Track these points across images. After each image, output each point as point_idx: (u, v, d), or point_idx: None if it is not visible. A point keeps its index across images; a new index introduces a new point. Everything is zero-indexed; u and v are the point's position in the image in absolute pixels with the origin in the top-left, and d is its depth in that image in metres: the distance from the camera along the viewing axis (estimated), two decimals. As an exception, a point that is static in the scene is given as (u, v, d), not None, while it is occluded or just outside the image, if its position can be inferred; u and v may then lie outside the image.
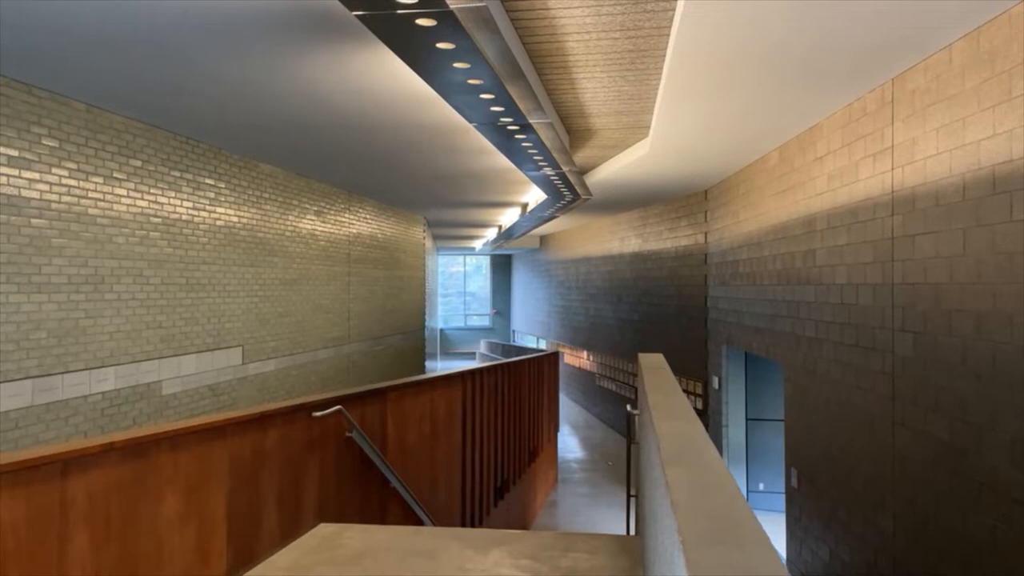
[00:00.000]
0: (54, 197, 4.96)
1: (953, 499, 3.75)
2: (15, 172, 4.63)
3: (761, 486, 8.52)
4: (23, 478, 2.33)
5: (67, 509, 2.48)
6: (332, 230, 9.89)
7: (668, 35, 4.12)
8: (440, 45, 3.16)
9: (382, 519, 4.72)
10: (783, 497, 6.55)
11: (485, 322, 29.83)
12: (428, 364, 15.84)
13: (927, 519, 4.01)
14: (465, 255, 29.66)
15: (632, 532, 4.96)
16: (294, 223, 8.70)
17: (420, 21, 2.80)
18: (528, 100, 4.34)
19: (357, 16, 2.82)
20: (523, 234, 16.99)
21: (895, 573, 4.38)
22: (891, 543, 4.43)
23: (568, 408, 16.40)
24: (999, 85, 3.38)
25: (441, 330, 27.56)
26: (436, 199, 11.96)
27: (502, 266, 29.42)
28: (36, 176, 4.81)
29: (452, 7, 2.63)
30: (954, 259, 3.76)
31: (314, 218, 9.29)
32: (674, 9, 3.74)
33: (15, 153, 4.63)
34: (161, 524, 2.89)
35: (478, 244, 22.64)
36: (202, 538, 3.12)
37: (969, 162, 3.62)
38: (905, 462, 4.27)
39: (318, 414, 4.00)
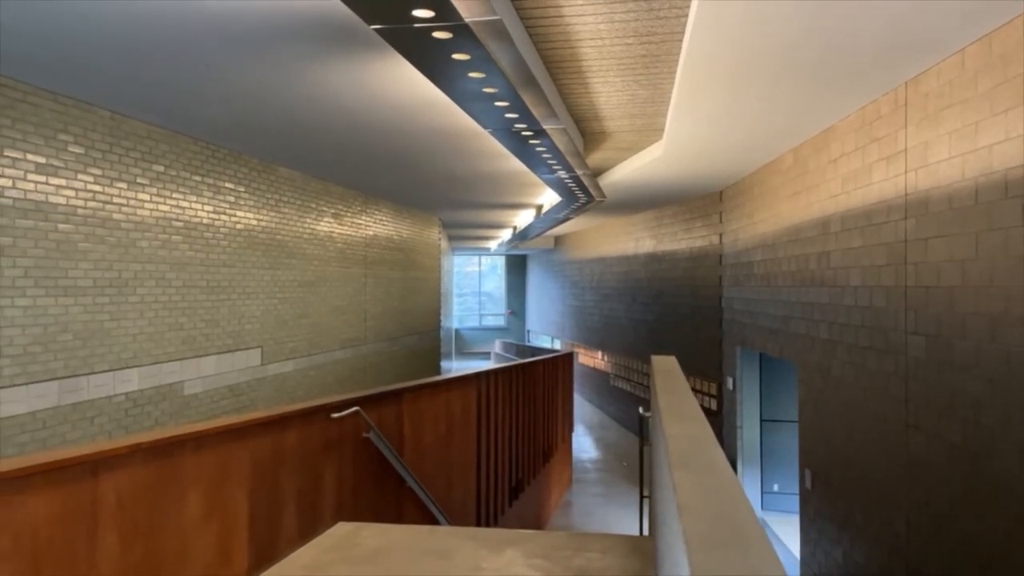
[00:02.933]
0: (80, 203, 5.09)
1: (967, 501, 3.77)
2: (43, 179, 4.77)
3: (776, 487, 8.52)
4: (56, 478, 2.42)
5: (97, 508, 2.57)
6: (349, 232, 10.00)
7: (681, 40, 4.16)
8: (456, 56, 3.23)
9: (398, 518, 4.79)
10: (797, 498, 6.56)
11: (500, 322, 29.90)
12: (443, 364, 15.93)
13: (941, 521, 4.02)
14: (480, 255, 29.73)
15: (645, 533, 5.01)
16: (311, 225, 8.81)
17: (436, 34, 2.88)
18: (542, 107, 4.40)
19: (375, 29, 2.89)
20: (538, 235, 17.03)
21: (909, 575, 4.40)
22: (905, 545, 4.45)
23: (582, 408, 16.43)
24: (1011, 90, 3.39)
25: (456, 330, 27.65)
26: (451, 201, 12.04)
27: (517, 266, 29.47)
28: (63, 182, 4.94)
29: (467, 21, 2.70)
30: (967, 262, 3.77)
31: (331, 220, 9.40)
32: (687, 15, 3.78)
33: (43, 160, 4.76)
34: (185, 523, 2.98)
35: (493, 244, 22.71)
36: (224, 536, 3.21)
37: (982, 166, 3.63)
38: (918, 464, 4.28)
39: (336, 415, 4.08)
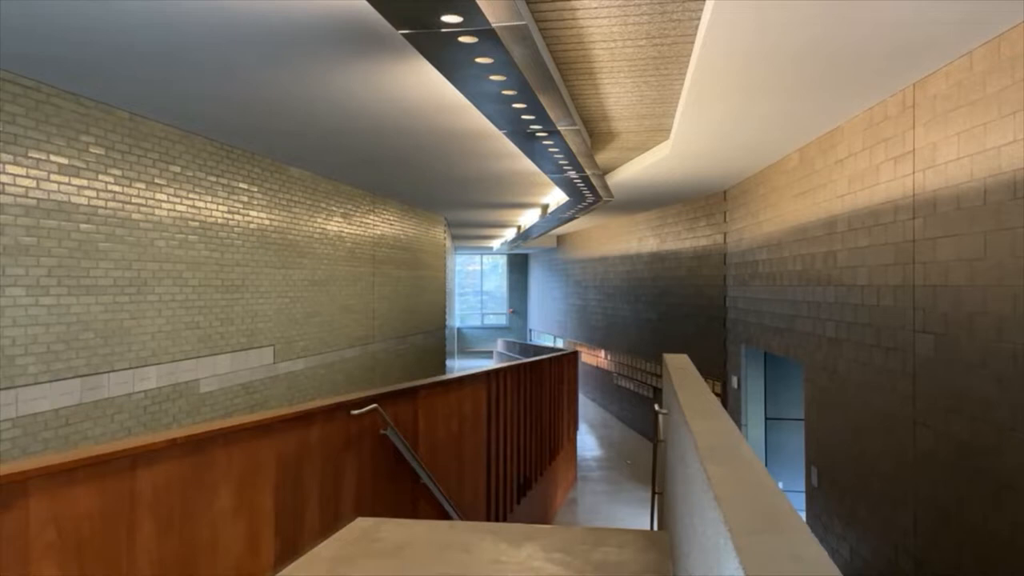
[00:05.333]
0: (100, 203, 5.16)
1: (974, 498, 3.83)
2: (65, 179, 4.84)
3: (780, 485, 8.57)
4: (98, 471, 2.49)
5: (135, 501, 2.64)
6: (358, 232, 10.08)
7: (692, 42, 4.23)
8: (479, 60, 3.30)
9: (413, 514, 4.86)
10: (803, 496, 6.64)
11: (502, 321, 29.97)
12: (447, 363, 16.00)
13: (948, 518, 4.09)
14: (482, 254, 29.79)
15: (656, 528, 5.07)
16: (322, 225, 8.89)
17: (462, 39, 2.95)
18: (558, 108, 4.47)
19: (403, 34, 2.96)
20: (541, 234, 17.10)
21: (916, 572, 4.47)
22: (912, 542, 4.52)
23: (586, 407, 16.50)
24: (1019, 92, 3.46)
25: (458, 329, 27.72)
26: (458, 200, 12.11)
27: (519, 265, 29.53)
28: (84, 183, 5.01)
29: (493, 25, 2.77)
30: (975, 262, 3.84)
31: (341, 220, 9.48)
32: (699, 18, 3.85)
33: (65, 161, 4.84)
34: (216, 515, 3.05)
35: (496, 244, 22.77)
36: (252, 529, 3.29)
37: (990, 167, 3.70)
38: (926, 461, 4.35)
39: (356, 412, 4.16)
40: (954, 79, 4.03)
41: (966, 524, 3.90)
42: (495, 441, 6.77)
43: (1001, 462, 3.59)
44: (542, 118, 4.63)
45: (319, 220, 8.80)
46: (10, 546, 2.20)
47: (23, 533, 2.24)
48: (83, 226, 5.00)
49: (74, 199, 4.92)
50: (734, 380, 8.98)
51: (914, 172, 4.49)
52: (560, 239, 20.97)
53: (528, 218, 14.60)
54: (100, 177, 5.15)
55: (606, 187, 8.61)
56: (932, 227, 4.27)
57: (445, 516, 5.23)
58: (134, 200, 5.50)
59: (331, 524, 3.84)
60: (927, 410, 4.34)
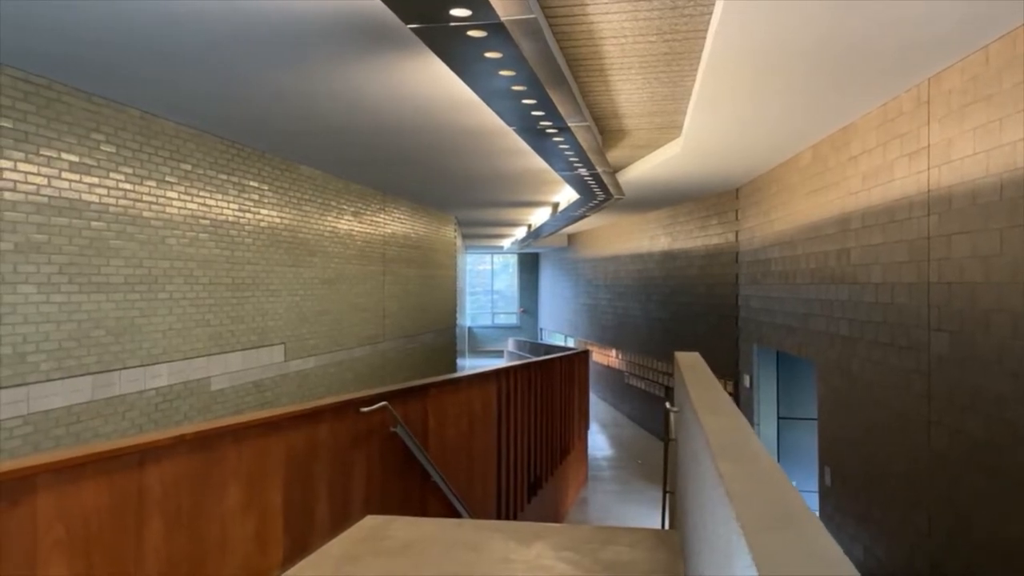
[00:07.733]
0: (112, 201, 5.19)
1: (990, 497, 3.78)
2: (76, 177, 4.86)
3: (793, 484, 8.54)
4: (106, 467, 2.49)
5: (144, 497, 2.64)
6: (368, 230, 10.09)
7: (704, 38, 4.19)
8: (488, 54, 3.29)
9: (423, 512, 4.85)
10: (816, 496, 6.58)
11: (512, 320, 29.95)
12: (457, 362, 16.00)
13: (963, 517, 4.04)
14: (493, 253, 29.79)
15: (667, 527, 5.04)
16: (332, 223, 8.90)
17: (471, 32, 2.93)
18: (568, 104, 4.45)
19: (412, 29, 2.95)
20: (552, 233, 17.07)
21: (932, 571, 4.42)
22: (927, 541, 4.46)
23: (596, 406, 16.45)
24: (1037, 87, 3.41)
25: (469, 328, 27.72)
26: (469, 199, 12.10)
27: (529, 264, 29.50)
28: (95, 181, 5.04)
29: (503, 19, 2.76)
30: (990, 258, 3.79)
31: (351, 219, 9.49)
32: (711, 13, 3.81)
33: (76, 159, 4.86)
34: (225, 513, 3.05)
35: (506, 243, 22.75)
36: (261, 526, 3.28)
37: (1006, 162, 3.64)
38: (941, 460, 4.30)
39: (365, 409, 4.15)
40: (969, 74, 3.98)
41: (981, 524, 3.85)
42: (505, 440, 6.75)
43: (1016, 461, 3.54)
44: (552, 114, 4.61)
45: (330, 218, 8.82)
46: (18, 542, 2.20)
47: (31, 529, 2.24)
48: (94, 223, 5.02)
49: (85, 197, 4.95)
50: (746, 379, 8.92)
51: (929, 168, 4.44)
52: (571, 238, 20.93)
53: (539, 217, 14.58)
54: (111, 175, 5.18)
55: (617, 185, 8.58)
56: (947, 224, 4.22)
57: (455, 514, 5.21)
58: (145, 198, 5.53)
59: (340, 522, 3.83)
60: (942, 409, 4.28)
